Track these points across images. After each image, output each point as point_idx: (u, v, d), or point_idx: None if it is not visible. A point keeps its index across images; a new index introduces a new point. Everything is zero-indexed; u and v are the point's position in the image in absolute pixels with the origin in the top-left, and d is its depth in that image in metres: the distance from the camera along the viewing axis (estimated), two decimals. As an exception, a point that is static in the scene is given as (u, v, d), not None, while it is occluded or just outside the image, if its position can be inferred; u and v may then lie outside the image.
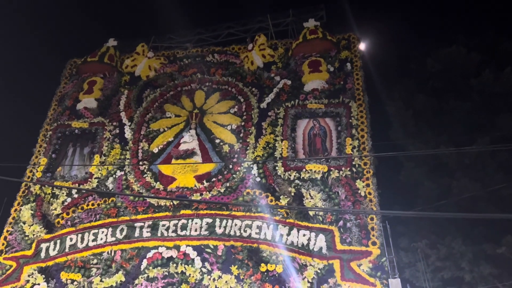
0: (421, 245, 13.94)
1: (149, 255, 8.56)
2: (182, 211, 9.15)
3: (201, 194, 9.31)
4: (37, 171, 10.58)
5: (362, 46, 11.08)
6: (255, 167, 9.46)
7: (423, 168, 15.47)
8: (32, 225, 9.65)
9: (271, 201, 8.87)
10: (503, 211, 12.87)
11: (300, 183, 8.93)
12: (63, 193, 10.04)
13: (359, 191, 8.53)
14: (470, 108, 15.67)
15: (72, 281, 8.63)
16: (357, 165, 8.89)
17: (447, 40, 17.61)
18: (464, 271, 13.18)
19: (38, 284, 8.77)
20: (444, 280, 13.88)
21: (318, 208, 8.44)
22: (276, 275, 7.83)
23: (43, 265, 9.06)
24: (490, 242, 12.91)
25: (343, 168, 8.90)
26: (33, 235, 9.54)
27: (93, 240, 9.14)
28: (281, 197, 8.85)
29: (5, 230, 9.81)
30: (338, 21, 12.56)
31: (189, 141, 10.14)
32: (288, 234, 8.30)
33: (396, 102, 17.10)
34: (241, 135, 10.12)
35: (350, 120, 9.52)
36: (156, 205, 9.37)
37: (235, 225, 8.67)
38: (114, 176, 10.12)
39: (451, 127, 15.49)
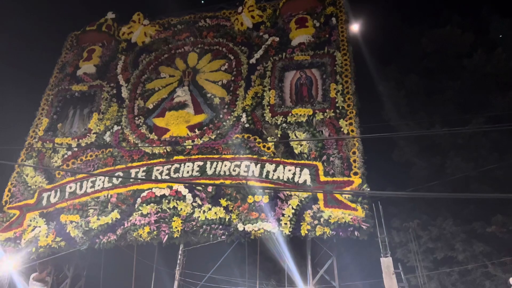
0: (413, 225, 14.14)
1: (143, 194, 9.00)
2: (175, 157, 9.61)
3: (193, 141, 9.74)
4: (39, 130, 11.12)
5: (355, 26, 11.40)
6: (244, 115, 9.89)
7: (415, 147, 15.62)
8: (34, 176, 10.16)
9: (259, 143, 9.27)
10: (496, 191, 12.82)
11: (286, 126, 9.34)
12: (63, 147, 10.56)
13: (342, 129, 8.91)
14: (462, 88, 15.90)
15: (71, 221, 9.08)
16: (340, 107, 9.27)
17: (441, 20, 17.89)
18: (456, 251, 13.27)
19: (39, 226, 9.25)
20: (435, 261, 14.00)
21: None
22: (263, 204, 8.21)
23: (45, 211, 9.55)
24: (481, 221, 13.08)
25: (327, 110, 9.29)
26: (35, 185, 10.04)
27: (91, 187, 9.61)
28: (268, 138, 9.25)
29: (9, 183, 10.33)
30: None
31: (182, 95, 10.62)
32: (275, 170, 8.70)
33: (389, 82, 17.37)
34: (231, 88, 10.55)
35: (335, 68, 9.90)
36: (150, 153, 9.83)
37: (225, 166, 9.10)
38: (111, 130, 10.62)
39: (443, 107, 15.69)
